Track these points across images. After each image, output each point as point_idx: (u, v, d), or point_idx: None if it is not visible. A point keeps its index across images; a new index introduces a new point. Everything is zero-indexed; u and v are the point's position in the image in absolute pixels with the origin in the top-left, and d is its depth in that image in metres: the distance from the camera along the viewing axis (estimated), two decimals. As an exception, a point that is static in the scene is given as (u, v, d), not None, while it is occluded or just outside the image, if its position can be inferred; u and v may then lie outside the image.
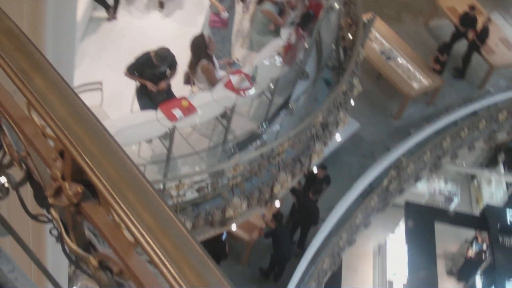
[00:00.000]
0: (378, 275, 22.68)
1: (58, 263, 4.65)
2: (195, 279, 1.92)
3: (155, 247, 1.97)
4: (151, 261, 1.99)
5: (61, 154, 2.18)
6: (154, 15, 13.61)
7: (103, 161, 2.07)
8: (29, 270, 2.80)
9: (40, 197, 2.40)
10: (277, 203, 13.62)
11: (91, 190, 2.17)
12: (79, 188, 2.16)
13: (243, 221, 13.62)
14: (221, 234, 14.30)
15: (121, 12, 13.38)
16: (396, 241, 22.57)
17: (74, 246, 2.34)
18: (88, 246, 2.37)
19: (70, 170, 2.16)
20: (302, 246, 16.51)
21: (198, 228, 11.30)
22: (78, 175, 2.15)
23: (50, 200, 2.23)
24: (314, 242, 16.18)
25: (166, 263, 1.94)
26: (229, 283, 1.97)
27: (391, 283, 22.22)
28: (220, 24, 12.43)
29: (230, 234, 15.20)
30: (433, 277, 20.83)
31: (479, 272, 21.70)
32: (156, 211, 2.05)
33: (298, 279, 15.67)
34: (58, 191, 2.20)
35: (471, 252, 22.10)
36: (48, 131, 2.18)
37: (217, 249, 14.55)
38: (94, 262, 2.27)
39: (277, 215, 15.39)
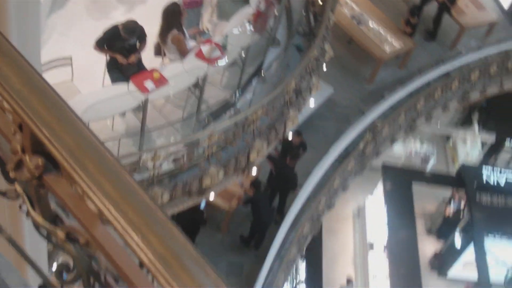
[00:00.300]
0: (359, 237, 22.97)
1: (36, 240, 4.68)
2: (159, 245, 1.96)
3: (118, 216, 1.99)
4: (115, 230, 2.02)
5: (20, 127, 2.18)
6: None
7: (61, 132, 2.08)
8: (7, 250, 2.81)
9: (6, 173, 2.38)
10: (254, 171, 13.70)
11: (53, 163, 2.17)
12: (39, 161, 2.17)
13: (221, 190, 13.66)
14: (200, 204, 14.37)
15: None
16: (375, 203, 22.84)
17: (40, 220, 2.35)
18: (55, 219, 2.37)
19: (29, 143, 2.17)
20: (282, 212, 16.59)
21: (176, 199, 11.34)
22: (38, 147, 2.16)
23: (12, 174, 2.25)
24: (293, 208, 16.28)
25: (130, 231, 1.97)
26: (193, 247, 2.00)
27: (371, 245, 22.51)
28: (195, 4, 12.43)
29: (209, 203, 15.26)
30: (412, 236, 21.14)
31: (458, 230, 22.00)
32: (117, 180, 2.06)
33: (278, 245, 15.80)
34: (19, 165, 2.22)
35: (449, 211, 22.44)
36: (6, 104, 2.17)
37: (195, 216, 14.62)
38: (61, 234, 2.29)
39: (255, 183, 15.45)
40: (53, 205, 2.38)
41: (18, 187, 2.33)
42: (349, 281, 20.58)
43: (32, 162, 2.18)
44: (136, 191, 2.07)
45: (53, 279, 2.48)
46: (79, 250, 2.27)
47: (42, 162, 2.18)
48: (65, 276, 2.40)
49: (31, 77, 2.17)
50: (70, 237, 2.28)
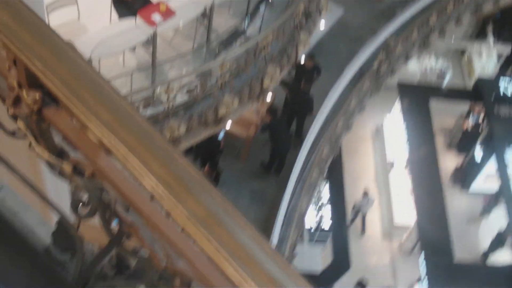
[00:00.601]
0: (379, 156, 23.05)
1: (56, 181, 4.71)
2: (160, 169, 1.96)
3: (117, 143, 1.99)
4: (116, 158, 2.02)
5: (15, 62, 2.15)
6: None
7: (54, 63, 2.07)
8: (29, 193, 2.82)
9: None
10: (269, 97, 13.73)
11: (52, 96, 2.15)
12: (37, 95, 2.16)
13: (238, 119, 13.73)
14: (217, 134, 14.46)
15: None
16: (393, 122, 22.83)
17: (46, 155, 2.36)
18: (60, 153, 2.37)
19: (25, 78, 2.15)
20: (300, 136, 16.62)
21: (193, 130, 11.43)
22: (34, 82, 2.14)
23: (11, 111, 2.24)
24: (311, 131, 16.33)
25: (130, 157, 1.97)
26: (194, 169, 2.00)
27: (392, 163, 22.61)
28: None
29: (227, 133, 15.34)
30: (433, 152, 21.14)
31: (478, 143, 22.00)
32: (114, 107, 2.06)
33: (299, 169, 15.90)
34: (17, 101, 2.21)
35: (468, 125, 22.36)
36: (-3, 41, 2.13)
37: (212, 146, 14.70)
38: (67, 168, 2.30)
39: (271, 109, 15.46)
40: (58, 140, 2.37)
41: (20, 124, 2.31)
42: (365, 193, 20.86)
43: (30, 96, 2.16)
44: (134, 117, 2.06)
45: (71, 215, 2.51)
46: (88, 182, 2.28)
47: (40, 96, 2.16)
48: (81, 210, 2.42)
49: (20, 11, 2.14)
50: (77, 170, 2.28)
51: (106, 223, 2.40)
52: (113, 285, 2.65)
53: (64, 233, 2.68)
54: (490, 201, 21.78)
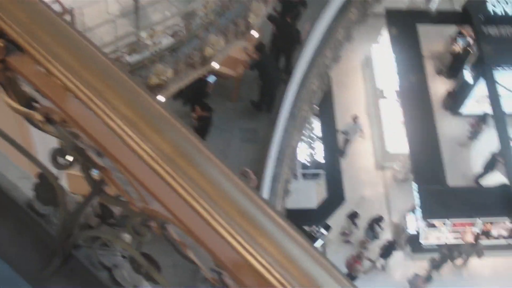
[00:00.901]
0: (369, 87, 23.03)
1: (45, 140, 4.68)
2: (123, 108, 1.94)
3: (79, 84, 1.96)
4: (81, 101, 1.99)
5: None
6: None
7: (13, 8, 2.04)
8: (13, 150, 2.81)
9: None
10: (256, 34, 13.60)
11: (16, 44, 2.11)
12: (0, 43, 2.12)
13: (226, 58, 13.61)
14: (206, 76, 14.34)
15: None
16: (381, 51, 22.73)
17: (16, 105, 2.33)
18: (30, 103, 2.36)
19: None
20: (289, 71, 16.53)
21: (181, 73, 11.35)
22: None
23: None
24: (300, 65, 16.25)
25: (94, 99, 1.95)
26: (162, 104, 1.98)
27: (382, 93, 22.60)
28: None
29: (217, 74, 15.23)
30: (423, 78, 21.10)
31: (467, 66, 21.95)
32: (75, 47, 2.02)
33: (290, 104, 15.88)
34: None
35: (458, 48, 22.27)
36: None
37: (199, 88, 14.57)
38: (38, 117, 2.28)
39: (258, 46, 15.32)
40: (28, 89, 2.34)
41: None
42: (355, 118, 21.09)
43: (-9, 45, 2.12)
44: (95, 56, 2.03)
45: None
46: (61, 130, 2.27)
47: (3, 44, 2.13)
48: (60, 160, 2.41)
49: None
50: (48, 118, 2.27)
51: (86, 170, 2.40)
52: (97, 235, 2.68)
53: (46, 185, 2.69)
54: (476, 124, 21.86)
